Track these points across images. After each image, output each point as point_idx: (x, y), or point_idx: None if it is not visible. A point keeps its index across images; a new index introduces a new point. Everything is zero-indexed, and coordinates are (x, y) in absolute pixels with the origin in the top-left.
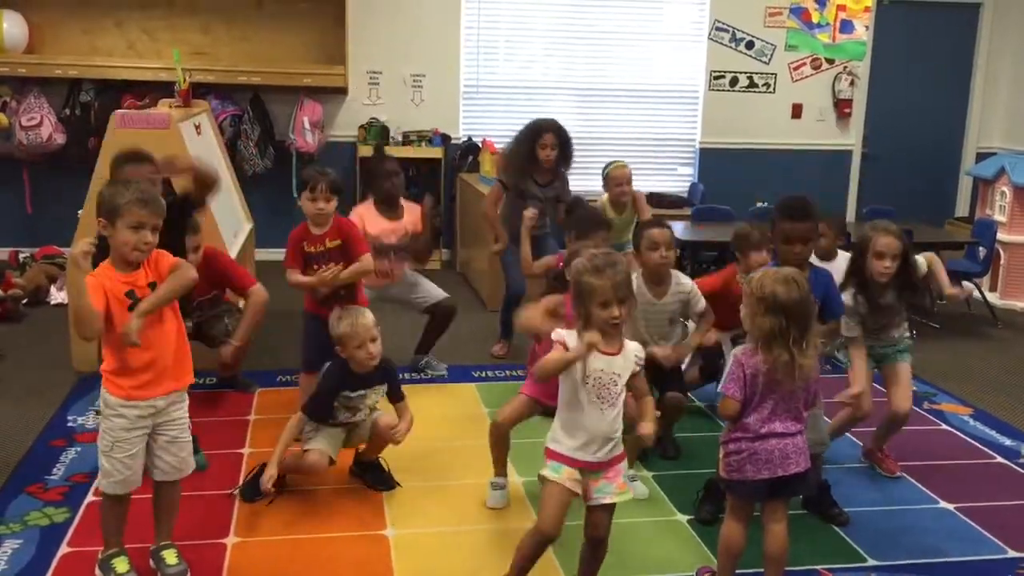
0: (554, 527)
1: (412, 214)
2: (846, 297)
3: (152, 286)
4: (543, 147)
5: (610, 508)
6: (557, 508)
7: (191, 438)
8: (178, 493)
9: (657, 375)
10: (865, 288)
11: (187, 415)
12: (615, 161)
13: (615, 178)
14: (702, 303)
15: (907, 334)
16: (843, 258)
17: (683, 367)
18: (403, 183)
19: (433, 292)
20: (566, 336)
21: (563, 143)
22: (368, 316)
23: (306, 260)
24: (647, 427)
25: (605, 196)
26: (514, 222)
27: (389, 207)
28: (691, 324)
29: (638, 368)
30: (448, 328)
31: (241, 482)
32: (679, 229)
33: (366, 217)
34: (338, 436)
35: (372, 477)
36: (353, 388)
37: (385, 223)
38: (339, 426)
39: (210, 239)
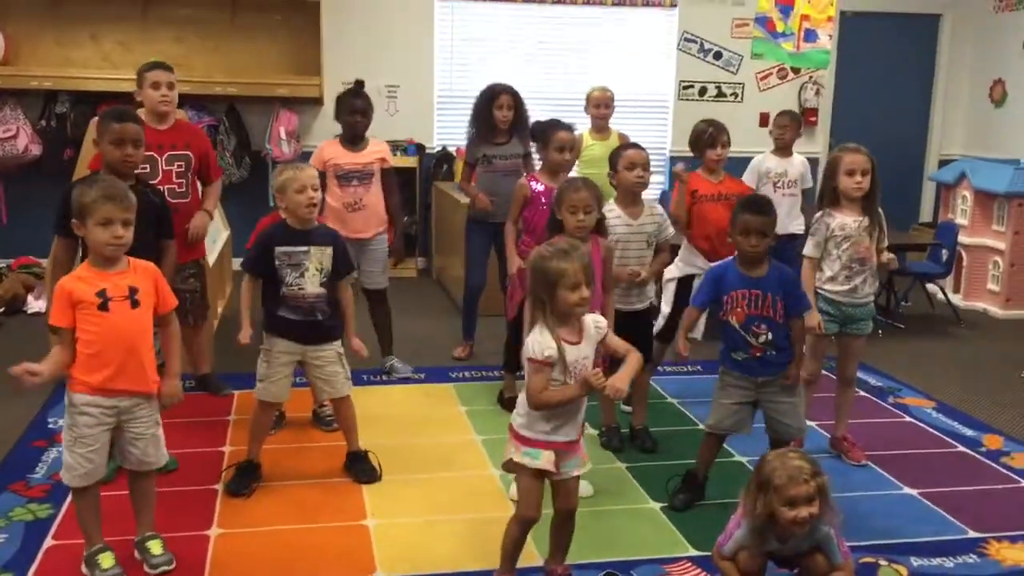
0: (537, 511)
1: (378, 146)
2: (816, 222)
3: (133, 291)
4: (499, 107)
5: (576, 478)
6: (536, 493)
7: (160, 435)
8: (151, 485)
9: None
10: (837, 203)
11: (154, 416)
12: (597, 85)
13: (594, 99)
14: (671, 230)
15: (874, 296)
16: (799, 159)
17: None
18: (367, 124)
19: (378, 277)
20: (541, 347)
21: (518, 104)
22: (312, 169)
23: None
24: (621, 379)
25: (588, 129)
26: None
27: (352, 143)
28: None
29: (603, 334)
30: (389, 318)
31: (223, 474)
32: None
33: (327, 150)
34: (289, 377)
35: (358, 470)
36: (293, 243)
37: (347, 155)
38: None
39: None
